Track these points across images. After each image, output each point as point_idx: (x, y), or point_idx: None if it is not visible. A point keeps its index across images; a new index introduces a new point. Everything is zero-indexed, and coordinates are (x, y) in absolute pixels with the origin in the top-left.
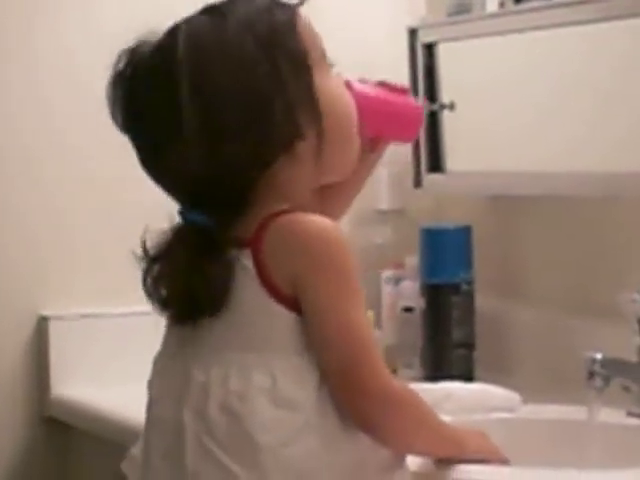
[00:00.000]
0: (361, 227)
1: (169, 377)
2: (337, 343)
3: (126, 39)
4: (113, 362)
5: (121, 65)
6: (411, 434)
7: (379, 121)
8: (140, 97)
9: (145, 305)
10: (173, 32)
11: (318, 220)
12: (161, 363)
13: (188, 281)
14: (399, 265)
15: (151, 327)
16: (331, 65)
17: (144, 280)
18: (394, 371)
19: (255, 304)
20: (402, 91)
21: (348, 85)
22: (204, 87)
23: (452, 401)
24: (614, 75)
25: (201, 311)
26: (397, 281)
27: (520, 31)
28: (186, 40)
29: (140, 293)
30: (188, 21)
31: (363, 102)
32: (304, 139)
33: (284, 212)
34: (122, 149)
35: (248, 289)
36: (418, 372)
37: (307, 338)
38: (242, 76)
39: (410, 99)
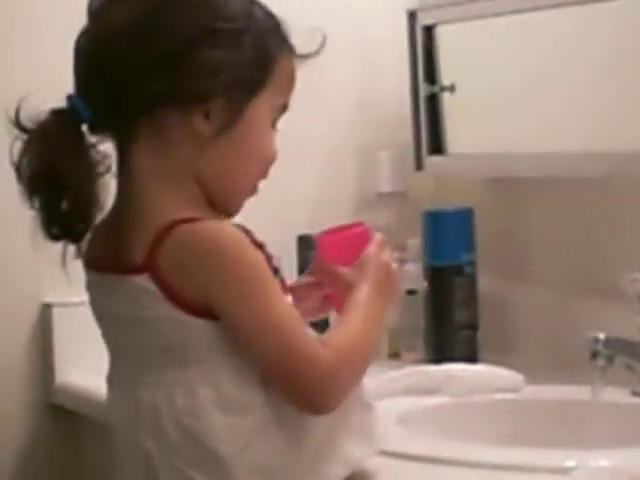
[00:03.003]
0: (363, 210)
1: (121, 404)
2: (262, 344)
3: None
4: None
5: None
6: (359, 375)
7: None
8: None
9: None
10: None
11: (211, 228)
12: (112, 388)
13: (53, 166)
14: (401, 248)
15: None
16: (275, 127)
17: (18, 154)
18: (397, 354)
19: (175, 324)
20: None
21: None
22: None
23: (455, 383)
24: (615, 54)
25: (62, 202)
26: (400, 263)
27: (520, 12)
28: None
29: None
30: None
31: (330, 251)
32: (208, 112)
33: (174, 224)
34: None
35: (162, 311)
36: (421, 354)
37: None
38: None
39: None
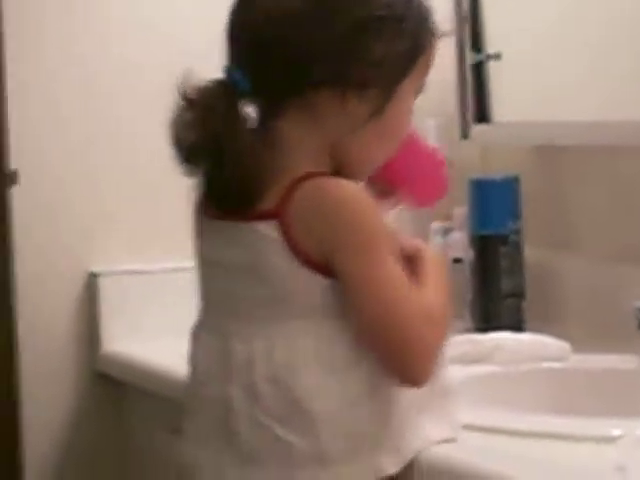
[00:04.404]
0: None
1: (210, 354)
2: (370, 301)
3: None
4: (161, 317)
5: None
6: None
7: (415, 178)
8: None
9: (191, 261)
10: None
11: (341, 185)
12: (200, 339)
13: (217, 136)
14: (447, 216)
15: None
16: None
17: (174, 123)
18: None
19: (290, 274)
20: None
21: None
22: None
23: (502, 352)
24: None
25: (227, 180)
26: (446, 232)
27: None
28: None
29: (185, 250)
30: None
31: (414, 155)
32: (362, 96)
33: (307, 176)
34: (162, 118)
35: (280, 261)
36: (468, 323)
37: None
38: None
39: (443, 171)
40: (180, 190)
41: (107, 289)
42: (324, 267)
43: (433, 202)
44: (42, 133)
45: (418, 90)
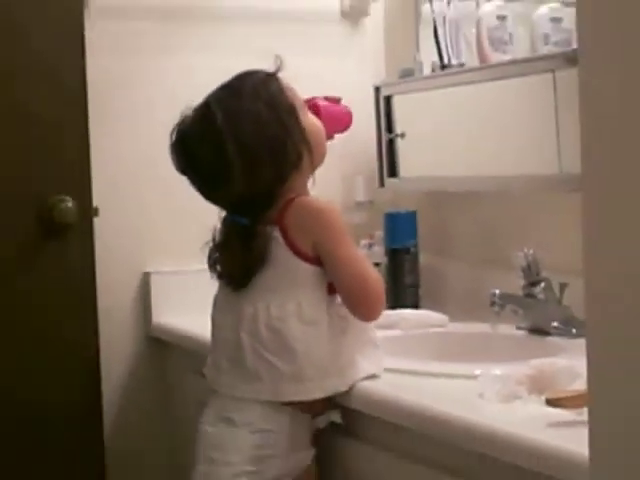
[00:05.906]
0: (346, 213)
1: (226, 311)
2: (348, 271)
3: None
4: (195, 301)
5: (174, 136)
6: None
7: (332, 123)
8: (193, 154)
9: None
10: (206, 105)
11: (317, 200)
12: (219, 302)
13: (244, 260)
14: (371, 236)
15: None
16: (305, 106)
17: (209, 259)
18: None
19: (286, 262)
20: (339, 100)
21: (316, 105)
22: (241, 140)
23: (404, 321)
24: (507, 113)
25: (250, 276)
26: (370, 246)
27: (445, 87)
28: (219, 111)
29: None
30: (213, 96)
31: (326, 113)
32: (302, 153)
33: (294, 199)
34: None
35: (280, 253)
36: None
37: (321, 279)
38: (263, 129)
39: (344, 105)
40: (203, 214)
41: (156, 284)
42: (309, 256)
43: (349, 126)
44: (113, 184)
45: (301, 102)
